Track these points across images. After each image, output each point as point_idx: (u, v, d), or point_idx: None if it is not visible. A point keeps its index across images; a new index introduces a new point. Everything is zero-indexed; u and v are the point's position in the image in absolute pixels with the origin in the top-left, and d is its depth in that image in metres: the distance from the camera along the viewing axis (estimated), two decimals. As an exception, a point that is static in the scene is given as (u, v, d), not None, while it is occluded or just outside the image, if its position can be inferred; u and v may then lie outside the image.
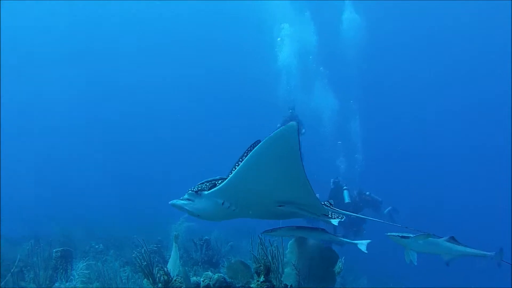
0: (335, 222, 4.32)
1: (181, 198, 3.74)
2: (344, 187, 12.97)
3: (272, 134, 3.03)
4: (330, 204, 4.36)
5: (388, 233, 4.98)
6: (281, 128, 3.03)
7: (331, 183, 13.23)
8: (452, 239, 4.77)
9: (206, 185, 3.68)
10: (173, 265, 6.06)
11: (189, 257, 8.36)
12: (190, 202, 3.71)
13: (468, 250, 4.80)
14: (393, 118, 39.55)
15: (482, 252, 4.70)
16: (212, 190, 3.58)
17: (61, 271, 7.63)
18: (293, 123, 3.00)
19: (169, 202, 3.71)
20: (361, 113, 23.72)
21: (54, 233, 9.33)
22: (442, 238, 4.81)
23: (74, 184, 35.07)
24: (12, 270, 7.11)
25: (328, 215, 4.21)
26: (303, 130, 15.07)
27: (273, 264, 5.51)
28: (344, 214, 4.41)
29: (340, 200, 12.74)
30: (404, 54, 33.75)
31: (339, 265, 5.07)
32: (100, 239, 9.97)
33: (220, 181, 3.62)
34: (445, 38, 30.80)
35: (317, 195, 4.04)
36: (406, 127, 39.32)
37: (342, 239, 5.40)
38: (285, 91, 22.34)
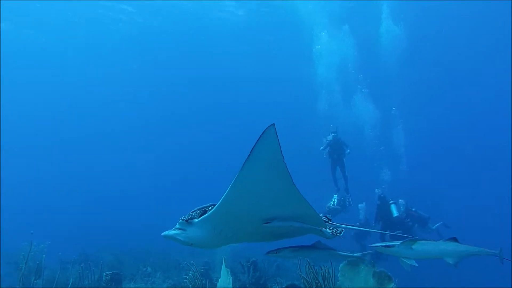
0: (328, 233, 4.15)
1: (173, 228, 3.68)
2: (391, 201, 12.80)
3: (251, 152, 2.96)
4: (328, 219, 4.22)
5: (372, 244, 4.91)
6: (258, 143, 2.93)
7: (377, 199, 13.13)
8: (454, 240, 4.64)
9: (197, 212, 3.64)
10: (221, 283, 6.13)
11: (237, 279, 8.38)
12: (182, 231, 3.63)
13: (472, 249, 4.66)
14: (437, 126, 38.52)
15: (486, 250, 4.56)
16: (203, 217, 3.52)
17: None
18: (270, 130, 2.91)
19: (162, 234, 3.66)
20: (404, 122, 23.37)
21: (103, 256, 9.62)
22: (442, 240, 4.69)
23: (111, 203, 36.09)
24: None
25: (326, 229, 4.06)
26: (348, 151, 15.42)
27: (324, 287, 5.46)
28: (344, 228, 4.22)
29: (387, 214, 12.57)
30: (444, 59, 32.90)
31: (391, 287, 4.95)
32: (147, 262, 10.19)
33: (210, 208, 3.58)
34: (487, 42, 29.84)
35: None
36: (452, 134, 38.19)
37: (345, 253, 5.29)
38: (325, 105, 22.35)
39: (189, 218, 3.61)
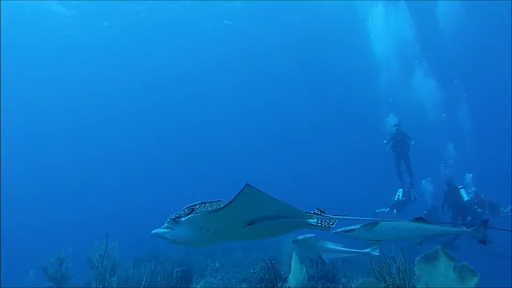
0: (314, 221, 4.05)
1: (162, 226, 3.70)
2: (459, 186, 12.52)
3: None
4: (321, 211, 4.06)
5: (334, 231, 4.63)
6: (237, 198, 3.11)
7: (444, 184, 12.86)
8: (420, 220, 4.45)
9: (185, 211, 3.65)
10: (295, 279, 6.25)
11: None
12: (170, 230, 3.64)
13: (440, 228, 4.57)
14: (503, 96, 36.40)
15: (458, 229, 4.52)
16: (189, 216, 3.55)
17: None
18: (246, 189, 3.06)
19: (151, 232, 3.67)
20: (468, 95, 22.48)
21: (171, 252, 10.02)
22: (406, 220, 4.51)
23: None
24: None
25: (318, 224, 3.83)
26: (412, 142, 15.24)
27: (400, 280, 5.40)
28: (338, 218, 3.94)
29: (457, 200, 12.28)
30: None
31: (475, 282, 4.82)
32: (215, 257, 10.53)
33: (198, 206, 3.62)
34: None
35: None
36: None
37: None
38: (384, 83, 21.93)
39: (176, 217, 3.64)
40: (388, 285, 5.44)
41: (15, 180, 39.30)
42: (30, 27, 28.45)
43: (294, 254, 6.21)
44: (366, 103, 33.95)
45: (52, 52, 33.13)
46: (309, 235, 4.81)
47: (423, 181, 16.62)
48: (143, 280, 8.10)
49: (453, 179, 12.98)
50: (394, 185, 15.38)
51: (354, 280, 7.59)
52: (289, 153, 45.47)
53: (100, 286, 8.13)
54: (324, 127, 44.36)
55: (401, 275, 5.61)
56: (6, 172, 38.17)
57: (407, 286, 5.44)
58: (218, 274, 9.26)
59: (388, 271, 5.75)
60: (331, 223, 3.82)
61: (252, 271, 8.86)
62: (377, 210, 14.84)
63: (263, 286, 6.27)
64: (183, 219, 3.56)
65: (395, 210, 14.40)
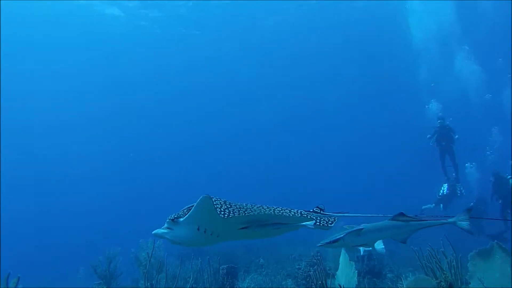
0: (310, 224, 3.84)
1: (162, 227, 3.73)
2: (509, 176, 12.18)
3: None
4: (320, 209, 4.00)
5: (319, 244, 4.60)
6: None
7: (491, 176, 12.57)
8: (401, 216, 4.27)
9: (183, 211, 3.65)
10: (344, 276, 6.23)
11: (352, 268, 8.49)
12: (170, 230, 3.68)
13: (422, 222, 4.36)
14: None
15: (439, 221, 4.19)
16: (186, 216, 3.56)
17: (228, 285, 8.39)
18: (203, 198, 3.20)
19: (152, 233, 3.73)
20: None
21: (216, 249, 10.19)
22: (387, 220, 4.35)
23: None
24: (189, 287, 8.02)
25: (316, 223, 3.78)
26: (456, 137, 15.03)
27: (452, 277, 5.31)
28: (337, 216, 3.95)
29: (506, 191, 11.96)
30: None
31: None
32: (259, 254, 10.66)
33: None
34: None
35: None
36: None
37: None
38: (425, 68, 21.48)
39: (175, 217, 3.66)
40: (440, 281, 5.34)
41: (58, 178, 40.75)
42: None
43: (342, 250, 6.18)
44: (406, 90, 33.24)
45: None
46: (334, 238, 4.75)
47: (467, 164, 16.23)
48: (190, 278, 8.27)
49: (500, 170, 12.67)
50: (439, 180, 15.10)
51: (403, 276, 7.54)
52: (323, 144, 45.07)
53: (148, 284, 8.36)
54: (362, 117, 43.61)
55: (453, 271, 5.53)
56: (53, 168, 39.73)
57: (460, 283, 5.37)
58: (263, 270, 9.38)
59: (438, 266, 5.66)
60: (329, 221, 3.79)
61: (297, 267, 8.93)
62: (423, 207, 14.59)
63: (312, 284, 6.30)
64: (181, 219, 3.59)
65: (441, 205, 14.20)
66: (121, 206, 37.01)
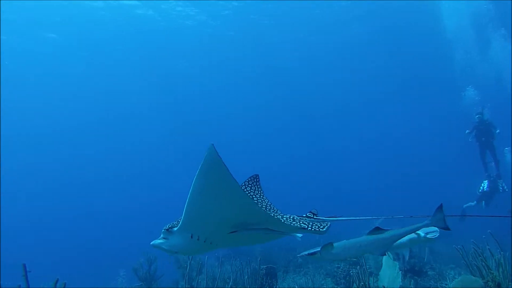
0: (298, 236, 3.97)
1: (159, 237, 3.78)
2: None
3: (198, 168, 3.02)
4: (314, 214, 4.01)
5: (299, 254, 4.64)
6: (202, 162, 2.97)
7: None
8: (377, 230, 4.24)
9: (178, 221, 3.65)
10: (387, 276, 6.26)
11: (391, 266, 8.50)
12: (166, 240, 3.73)
13: (398, 231, 4.29)
14: None
15: (416, 225, 4.09)
16: (179, 224, 3.57)
17: (267, 287, 8.50)
18: (210, 150, 2.92)
19: (150, 244, 3.77)
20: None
21: (254, 249, 10.34)
22: (364, 235, 4.32)
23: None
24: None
25: (307, 228, 3.78)
26: (498, 131, 14.75)
27: (500, 276, 5.29)
28: (330, 220, 3.96)
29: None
30: None
31: None
32: (296, 252, 10.73)
33: None
34: None
35: None
36: None
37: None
38: (461, 61, 21.04)
39: (169, 227, 3.71)
40: (488, 281, 5.33)
41: (94, 179, 41.65)
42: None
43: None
44: (441, 78, 32.53)
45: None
46: (313, 250, 4.84)
47: (506, 149, 15.91)
48: (229, 279, 8.41)
49: None
50: (480, 176, 14.84)
51: (446, 274, 7.52)
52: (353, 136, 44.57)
53: (188, 286, 8.54)
54: (395, 110, 42.78)
55: (500, 270, 5.49)
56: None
57: (508, 282, 5.34)
58: (301, 269, 9.47)
59: (484, 265, 5.60)
60: (321, 226, 3.80)
61: (336, 265, 8.98)
62: (465, 205, 14.35)
63: (354, 284, 6.36)
64: (175, 228, 3.63)
65: (483, 203, 13.97)
66: (158, 208, 37.50)
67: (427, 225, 4.19)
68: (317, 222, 3.86)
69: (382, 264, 6.24)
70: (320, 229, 3.75)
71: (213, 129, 46.59)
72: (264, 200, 4.56)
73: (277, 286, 8.60)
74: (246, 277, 8.34)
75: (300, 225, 3.76)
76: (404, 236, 4.44)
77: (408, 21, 29.47)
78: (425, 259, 8.71)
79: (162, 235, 3.76)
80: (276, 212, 4.29)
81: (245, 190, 4.55)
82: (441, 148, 37.98)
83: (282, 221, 3.72)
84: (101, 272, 14.07)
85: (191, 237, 3.60)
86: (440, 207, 4.10)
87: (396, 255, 8.49)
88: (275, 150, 46.48)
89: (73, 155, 42.93)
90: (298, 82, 40.53)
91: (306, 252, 4.64)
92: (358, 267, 6.29)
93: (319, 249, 4.50)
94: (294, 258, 10.24)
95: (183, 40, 31.54)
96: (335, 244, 4.42)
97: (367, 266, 8.55)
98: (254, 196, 4.58)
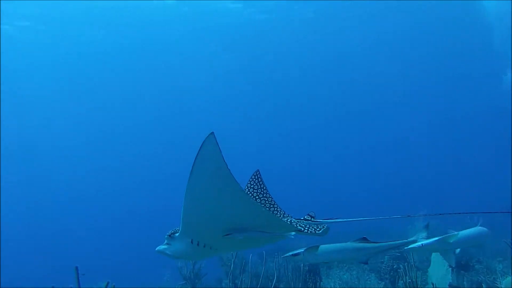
0: (291, 234, 3.87)
1: (163, 243, 3.85)
2: None
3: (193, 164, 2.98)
4: (311, 216, 4.05)
5: (283, 256, 5.08)
6: (198, 153, 2.90)
7: None
8: (363, 240, 4.67)
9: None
10: (436, 273, 6.25)
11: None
12: (169, 246, 3.79)
13: (383, 244, 4.74)
14: None
15: (399, 241, 4.55)
16: (180, 230, 3.62)
17: (311, 284, 8.51)
18: (209, 140, 2.84)
19: (155, 250, 3.86)
20: None
21: (298, 245, 10.34)
22: (350, 241, 4.72)
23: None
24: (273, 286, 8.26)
25: (303, 230, 3.82)
26: None
27: None
28: (327, 223, 3.97)
29: None
30: None
31: None
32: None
33: None
34: None
35: None
36: None
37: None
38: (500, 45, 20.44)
39: (172, 233, 3.76)
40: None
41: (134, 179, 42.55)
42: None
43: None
44: (480, 62, 31.76)
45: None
46: (296, 251, 4.97)
47: None
48: (273, 276, 8.49)
49: None
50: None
51: (495, 269, 7.40)
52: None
53: (232, 285, 8.69)
54: (430, 102, 41.55)
55: None
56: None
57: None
58: (345, 265, 9.49)
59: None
60: (318, 229, 3.84)
61: (380, 261, 8.97)
62: None
63: (400, 281, 6.36)
64: (177, 234, 3.71)
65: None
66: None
67: (402, 244, 4.82)
68: (314, 224, 3.94)
69: (430, 260, 6.24)
70: (317, 231, 3.82)
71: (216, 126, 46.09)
72: (267, 198, 4.61)
73: (321, 283, 8.64)
74: (290, 274, 8.42)
75: (297, 227, 3.83)
76: (388, 249, 4.95)
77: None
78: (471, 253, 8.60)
79: (165, 241, 3.85)
80: (280, 211, 4.41)
81: (249, 188, 4.64)
82: (485, 142, 36.63)
83: (284, 221, 3.82)
84: (146, 271, 14.41)
85: (191, 242, 3.67)
86: (427, 226, 4.78)
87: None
88: (284, 151, 46.11)
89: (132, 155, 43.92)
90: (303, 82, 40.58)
91: (290, 254, 5.04)
92: (405, 263, 6.27)
93: (303, 250, 4.86)
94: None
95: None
96: (320, 247, 4.82)
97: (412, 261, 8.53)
98: (258, 194, 4.62)
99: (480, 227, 4.80)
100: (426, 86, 39.97)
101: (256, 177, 4.75)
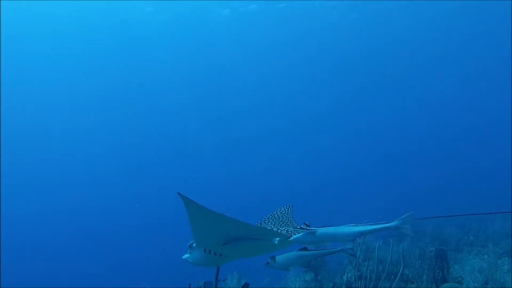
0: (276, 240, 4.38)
1: (187, 252, 4.50)
2: None
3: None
4: (306, 225, 4.65)
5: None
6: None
7: None
8: (304, 249, 5.49)
9: None
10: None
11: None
12: (190, 255, 4.44)
13: (317, 252, 5.83)
14: None
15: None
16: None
17: (438, 271, 8.25)
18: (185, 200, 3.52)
19: (182, 258, 4.53)
20: None
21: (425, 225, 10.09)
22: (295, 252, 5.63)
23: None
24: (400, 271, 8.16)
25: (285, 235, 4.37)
26: None
27: None
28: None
29: None
30: None
31: None
32: (470, 230, 10.31)
33: None
34: None
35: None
36: None
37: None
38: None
39: (191, 243, 4.40)
40: None
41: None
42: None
43: None
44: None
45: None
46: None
47: None
48: (398, 262, 8.41)
49: None
50: None
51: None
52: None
53: (357, 273, 8.71)
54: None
55: None
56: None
57: None
58: (473, 248, 9.21)
59: None
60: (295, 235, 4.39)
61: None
62: None
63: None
64: (194, 245, 4.40)
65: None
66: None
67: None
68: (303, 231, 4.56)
69: None
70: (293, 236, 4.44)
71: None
72: (286, 215, 5.47)
73: (449, 270, 8.38)
74: (417, 261, 8.28)
75: (282, 234, 4.40)
76: (322, 255, 6.01)
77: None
78: None
79: (188, 250, 4.54)
80: (289, 223, 5.17)
81: (278, 211, 5.58)
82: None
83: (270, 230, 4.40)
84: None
85: (204, 251, 4.32)
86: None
87: None
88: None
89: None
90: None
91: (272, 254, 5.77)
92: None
93: (303, 233, 5.29)
94: (465, 235, 9.92)
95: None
96: (278, 256, 5.73)
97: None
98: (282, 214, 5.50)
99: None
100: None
101: (287, 208, 5.70)
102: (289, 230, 4.65)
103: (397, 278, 6.89)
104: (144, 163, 43.51)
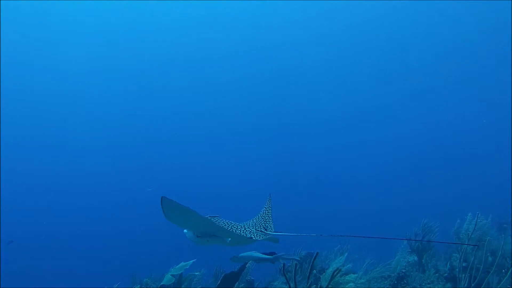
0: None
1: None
2: None
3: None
4: (265, 229, 5.35)
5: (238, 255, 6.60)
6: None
7: None
8: (272, 253, 6.43)
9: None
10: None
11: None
12: (187, 232, 5.17)
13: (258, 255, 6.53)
14: None
15: (262, 256, 6.31)
16: None
17: None
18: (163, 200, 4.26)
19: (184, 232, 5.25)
20: None
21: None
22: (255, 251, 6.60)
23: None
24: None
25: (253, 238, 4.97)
26: None
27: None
28: (281, 235, 5.21)
29: None
30: None
31: None
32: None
33: (208, 217, 4.87)
34: None
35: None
36: None
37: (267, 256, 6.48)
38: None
39: None
40: None
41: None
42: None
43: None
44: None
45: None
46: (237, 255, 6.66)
47: None
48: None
49: None
50: None
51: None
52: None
53: (464, 264, 7.53)
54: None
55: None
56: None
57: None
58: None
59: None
60: (259, 236, 5.05)
61: None
62: None
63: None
64: None
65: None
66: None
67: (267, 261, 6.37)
68: (263, 234, 5.22)
69: None
70: (254, 238, 5.02)
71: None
72: (266, 214, 6.04)
73: None
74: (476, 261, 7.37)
75: (244, 234, 5.04)
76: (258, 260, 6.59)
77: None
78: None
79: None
80: (266, 223, 5.73)
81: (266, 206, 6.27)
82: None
83: (233, 231, 4.99)
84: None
85: (194, 233, 5.13)
86: (279, 256, 6.28)
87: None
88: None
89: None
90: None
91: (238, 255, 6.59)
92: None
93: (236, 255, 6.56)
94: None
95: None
96: (242, 254, 6.48)
97: None
98: (263, 212, 6.14)
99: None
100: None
101: (268, 199, 6.40)
102: (253, 231, 5.24)
103: (508, 273, 6.07)
104: (143, 163, 43.57)
